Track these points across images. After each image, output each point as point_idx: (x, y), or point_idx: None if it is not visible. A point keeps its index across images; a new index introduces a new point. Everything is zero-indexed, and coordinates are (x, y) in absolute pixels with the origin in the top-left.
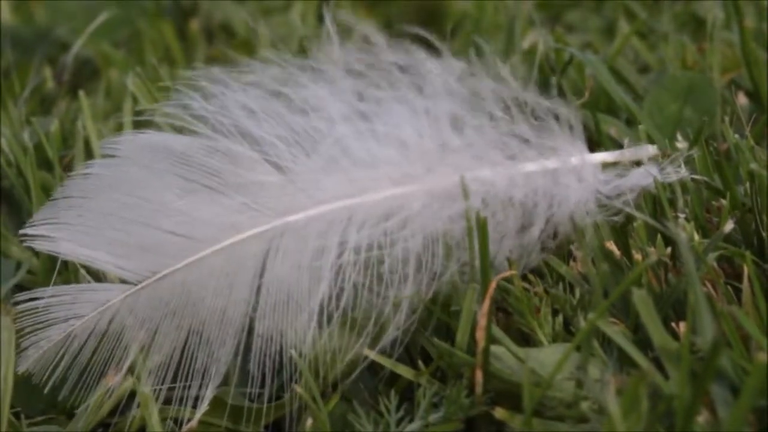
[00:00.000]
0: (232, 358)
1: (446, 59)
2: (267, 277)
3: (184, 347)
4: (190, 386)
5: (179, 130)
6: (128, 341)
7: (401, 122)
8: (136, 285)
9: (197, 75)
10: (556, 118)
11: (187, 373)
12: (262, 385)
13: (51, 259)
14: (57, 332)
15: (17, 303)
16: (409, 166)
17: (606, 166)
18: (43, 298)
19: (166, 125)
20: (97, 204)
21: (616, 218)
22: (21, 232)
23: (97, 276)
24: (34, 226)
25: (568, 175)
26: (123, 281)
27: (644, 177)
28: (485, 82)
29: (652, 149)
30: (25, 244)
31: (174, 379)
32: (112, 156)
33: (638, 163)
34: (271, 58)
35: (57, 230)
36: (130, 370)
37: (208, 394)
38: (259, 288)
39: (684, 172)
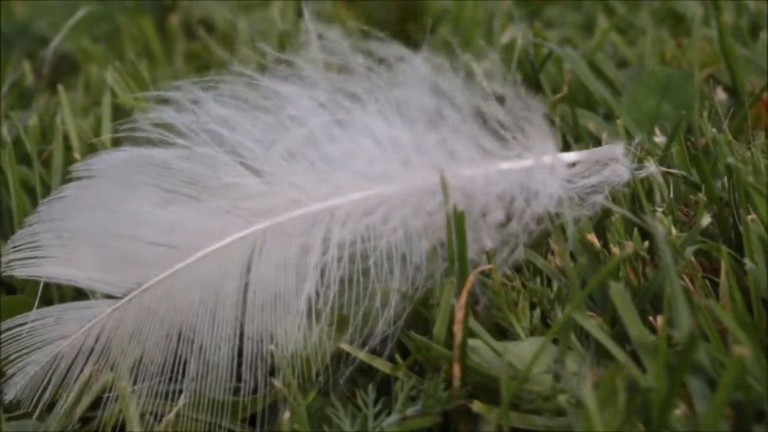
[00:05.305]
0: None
1: (422, 56)
2: (252, 279)
3: (176, 356)
4: (171, 380)
5: (154, 143)
6: (117, 355)
7: (376, 120)
8: (122, 299)
9: (170, 88)
10: (528, 115)
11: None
12: (240, 380)
13: None
14: (43, 355)
15: (2, 330)
16: (385, 163)
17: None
18: (27, 322)
19: (141, 140)
20: (76, 223)
21: (590, 212)
22: (2, 260)
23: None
24: (12, 251)
25: (541, 171)
26: (108, 296)
27: (617, 172)
28: (459, 80)
29: (619, 149)
30: (5, 273)
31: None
32: (87, 177)
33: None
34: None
35: (36, 253)
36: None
37: (193, 389)
38: (246, 291)
39: (656, 168)
